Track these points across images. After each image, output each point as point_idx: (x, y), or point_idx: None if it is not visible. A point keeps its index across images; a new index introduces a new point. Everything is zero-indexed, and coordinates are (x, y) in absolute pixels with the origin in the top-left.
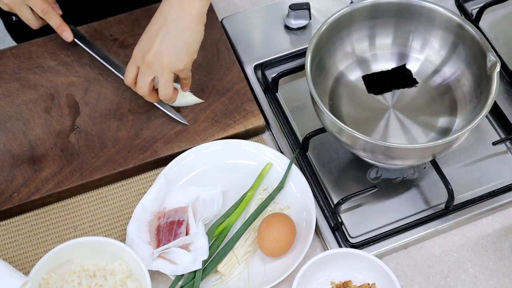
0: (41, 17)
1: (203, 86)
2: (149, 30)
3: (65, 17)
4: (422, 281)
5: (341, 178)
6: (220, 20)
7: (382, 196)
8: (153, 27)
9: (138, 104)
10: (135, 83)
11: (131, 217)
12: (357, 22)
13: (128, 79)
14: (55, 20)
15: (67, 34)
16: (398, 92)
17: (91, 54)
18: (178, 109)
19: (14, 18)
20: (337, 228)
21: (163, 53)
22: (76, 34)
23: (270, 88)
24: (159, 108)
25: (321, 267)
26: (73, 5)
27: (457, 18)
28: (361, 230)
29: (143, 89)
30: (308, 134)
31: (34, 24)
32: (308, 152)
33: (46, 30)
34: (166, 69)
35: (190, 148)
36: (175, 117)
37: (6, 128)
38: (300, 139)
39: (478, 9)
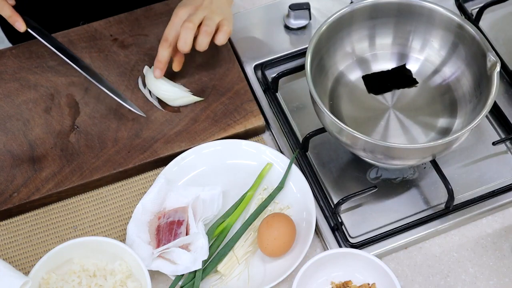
0: None
1: (203, 86)
2: None
3: (65, 17)
4: (422, 281)
5: (341, 178)
6: None
7: (382, 196)
8: None
9: (138, 104)
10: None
11: (131, 217)
12: (357, 22)
13: (172, 33)
14: (6, 10)
15: (19, 24)
16: (398, 92)
17: (47, 45)
18: (178, 109)
19: None
20: (337, 228)
21: (213, 8)
22: (30, 25)
23: (270, 88)
24: (117, 100)
25: (321, 267)
26: (73, 5)
27: (457, 18)
28: (361, 230)
29: (195, 20)
30: (308, 134)
31: None
32: (308, 152)
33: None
34: (216, 14)
35: (190, 148)
36: (131, 109)
37: (6, 128)
38: (300, 139)
39: (478, 9)
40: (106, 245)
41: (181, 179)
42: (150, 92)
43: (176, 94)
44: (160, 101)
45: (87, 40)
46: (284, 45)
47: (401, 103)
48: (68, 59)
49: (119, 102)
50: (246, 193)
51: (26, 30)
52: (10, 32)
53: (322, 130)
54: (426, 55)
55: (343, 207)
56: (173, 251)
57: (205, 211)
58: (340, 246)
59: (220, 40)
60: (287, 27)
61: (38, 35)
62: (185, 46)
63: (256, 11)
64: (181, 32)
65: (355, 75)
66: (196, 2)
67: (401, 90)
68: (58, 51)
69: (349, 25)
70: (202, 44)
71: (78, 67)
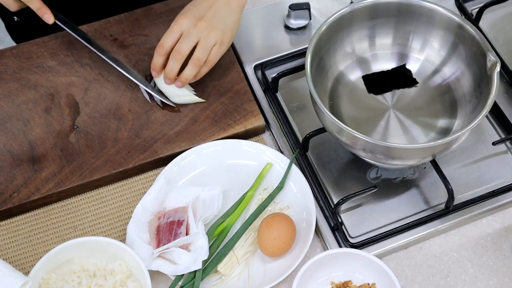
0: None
1: (203, 86)
2: (199, 4)
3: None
4: (422, 281)
5: (341, 178)
6: None
7: (382, 196)
8: (204, 2)
9: (138, 104)
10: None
11: (131, 217)
12: (357, 22)
13: (167, 43)
14: (35, 3)
15: (48, 17)
16: (398, 92)
17: (90, 48)
18: (178, 109)
19: (15, 18)
20: (337, 228)
21: (214, 22)
22: (58, 18)
23: (270, 88)
24: (148, 91)
25: (321, 267)
26: (74, 5)
27: (457, 18)
28: (361, 230)
29: (184, 51)
30: (308, 134)
31: (12, 6)
32: (308, 152)
33: (46, 30)
34: (213, 35)
35: (190, 148)
36: (163, 99)
37: (6, 128)
38: (300, 139)
39: (478, 9)
40: (106, 245)
41: (181, 179)
42: (155, 84)
43: (179, 91)
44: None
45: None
46: (284, 45)
47: (401, 103)
48: (99, 52)
49: (120, 101)
50: (246, 193)
51: (54, 22)
52: (14, 31)
53: (322, 130)
54: (426, 55)
55: (343, 207)
56: (173, 251)
57: (205, 211)
58: (340, 246)
59: (202, 72)
60: (287, 27)
61: (67, 28)
62: (170, 74)
63: (256, 11)
64: (169, 60)
65: (355, 75)
66: (200, 11)
67: (401, 90)
68: (87, 43)
69: (349, 25)
70: (188, 76)
71: (108, 58)
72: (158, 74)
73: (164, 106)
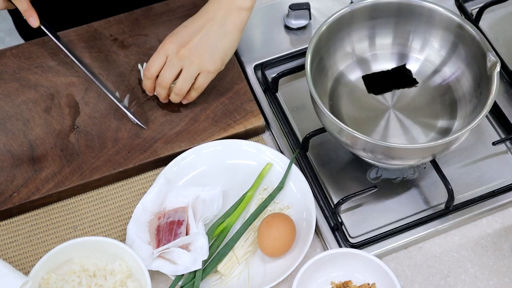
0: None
1: None
2: (190, 25)
3: (65, 17)
4: (422, 281)
5: (341, 178)
6: None
7: (382, 196)
8: (195, 24)
9: (138, 104)
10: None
11: (131, 217)
12: (357, 22)
13: (153, 68)
14: (23, 4)
15: (33, 20)
16: (398, 92)
17: (58, 44)
18: (178, 109)
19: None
20: (337, 228)
21: (199, 49)
22: (43, 23)
23: (270, 88)
24: (123, 110)
25: (321, 267)
26: (74, 5)
27: (457, 18)
28: (361, 230)
29: (166, 80)
30: (308, 134)
31: (0, 5)
32: (308, 152)
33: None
34: (196, 65)
35: (190, 148)
36: (136, 121)
37: (6, 128)
38: (300, 139)
39: (478, 9)
40: (106, 245)
41: (181, 179)
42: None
43: None
44: (157, 102)
45: (87, 40)
46: (284, 45)
47: (401, 103)
48: (77, 60)
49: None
50: (246, 193)
51: (39, 26)
52: (22, 27)
53: (322, 130)
54: (426, 55)
55: (343, 207)
56: (173, 251)
57: (205, 211)
58: (340, 246)
59: (192, 96)
60: (287, 27)
61: (50, 33)
62: (160, 97)
63: (256, 11)
64: (156, 86)
65: (355, 75)
66: (188, 35)
67: (401, 90)
68: (68, 52)
69: (349, 25)
70: (175, 101)
71: (87, 71)
72: (151, 93)
73: (164, 106)
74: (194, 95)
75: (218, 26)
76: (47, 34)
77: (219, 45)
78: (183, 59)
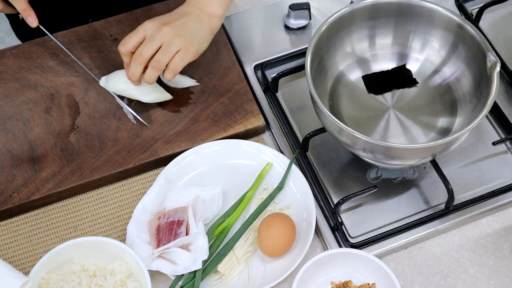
0: (5, 1)
1: (203, 86)
2: (169, 15)
3: (65, 17)
4: (422, 281)
5: (341, 178)
6: None
7: (382, 196)
8: (172, 15)
9: (138, 104)
10: (131, 53)
11: (131, 217)
12: (357, 22)
13: (129, 43)
14: (21, 3)
15: (32, 19)
16: (398, 92)
17: (57, 42)
18: (178, 109)
19: (20, 16)
20: (337, 228)
21: (180, 30)
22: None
23: (270, 88)
24: (123, 107)
25: (321, 267)
26: (74, 5)
27: (457, 18)
28: (361, 230)
29: (145, 54)
30: (308, 134)
31: None
32: (308, 152)
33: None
34: (177, 41)
35: (190, 148)
36: (138, 117)
37: (6, 128)
38: (300, 139)
39: (478, 9)
40: (106, 245)
41: (181, 179)
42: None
43: (146, 88)
44: (157, 102)
45: (87, 40)
46: (284, 45)
47: (401, 103)
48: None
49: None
50: (246, 193)
51: (37, 26)
52: (19, 28)
53: (322, 130)
54: (426, 55)
55: (343, 207)
56: (173, 251)
57: (205, 211)
58: (340, 246)
59: (167, 77)
60: (287, 27)
61: (48, 33)
62: (133, 77)
63: (256, 11)
64: (131, 63)
65: (355, 75)
66: (168, 18)
67: (401, 90)
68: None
69: (349, 25)
70: (149, 79)
71: (85, 67)
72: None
73: (164, 106)
74: (168, 75)
75: (195, 19)
76: (43, 36)
77: (197, 33)
78: (165, 34)
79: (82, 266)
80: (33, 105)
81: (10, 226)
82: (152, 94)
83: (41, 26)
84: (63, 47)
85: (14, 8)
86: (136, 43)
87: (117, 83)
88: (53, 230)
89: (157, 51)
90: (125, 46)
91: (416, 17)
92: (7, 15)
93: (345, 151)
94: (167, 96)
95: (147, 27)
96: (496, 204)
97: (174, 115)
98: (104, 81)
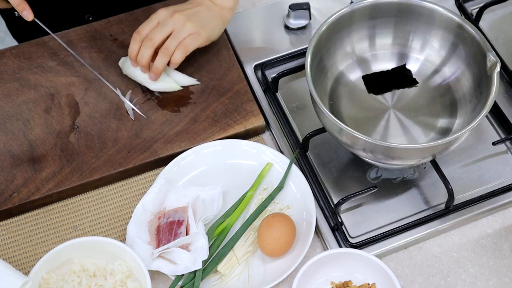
0: None
1: (203, 86)
2: (185, 4)
3: (65, 17)
4: (422, 281)
5: (341, 178)
6: None
7: (382, 196)
8: (190, 2)
9: (138, 104)
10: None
11: (131, 217)
12: (357, 22)
13: (144, 31)
14: None
15: (27, 13)
16: (398, 92)
17: (54, 37)
18: (178, 109)
19: (16, 13)
20: (337, 228)
21: (192, 17)
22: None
23: (270, 88)
24: (124, 101)
25: (321, 267)
26: (74, 5)
27: (457, 18)
28: (361, 230)
29: (155, 38)
30: (308, 134)
31: None
32: (308, 152)
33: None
34: (188, 26)
35: (190, 148)
36: (135, 109)
37: (6, 128)
38: (300, 139)
39: (478, 9)
40: (106, 245)
41: (181, 179)
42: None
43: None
44: (157, 102)
45: (87, 40)
46: (284, 45)
47: (401, 103)
48: (76, 54)
49: (120, 101)
50: (246, 193)
51: (33, 21)
52: (16, 28)
53: (322, 130)
54: (426, 55)
55: (343, 207)
56: (173, 251)
57: (205, 211)
58: (340, 246)
59: (175, 58)
60: (287, 27)
61: (45, 27)
62: (141, 61)
63: (256, 11)
64: (141, 47)
65: (355, 75)
66: (181, 7)
67: (401, 90)
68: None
69: (349, 25)
70: (159, 67)
71: (86, 63)
72: (134, 62)
73: (164, 106)
74: (178, 56)
75: (206, 10)
76: (39, 36)
77: (209, 21)
78: (176, 21)
79: (82, 266)
80: (33, 105)
81: (10, 226)
82: (161, 82)
83: (36, 20)
84: (60, 41)
85: (8, 2)
86: (150, 31)
87: (130, 67)
88: (53, 230)
89: (167, 38)
90: (140, 33)
91: (416, 17)
92: (3, 15)
93: (345, 151)
94: (175, 87)
95: (160, 14)
96: (496, 204)
97: (174, 115)
98: (122, 62)
